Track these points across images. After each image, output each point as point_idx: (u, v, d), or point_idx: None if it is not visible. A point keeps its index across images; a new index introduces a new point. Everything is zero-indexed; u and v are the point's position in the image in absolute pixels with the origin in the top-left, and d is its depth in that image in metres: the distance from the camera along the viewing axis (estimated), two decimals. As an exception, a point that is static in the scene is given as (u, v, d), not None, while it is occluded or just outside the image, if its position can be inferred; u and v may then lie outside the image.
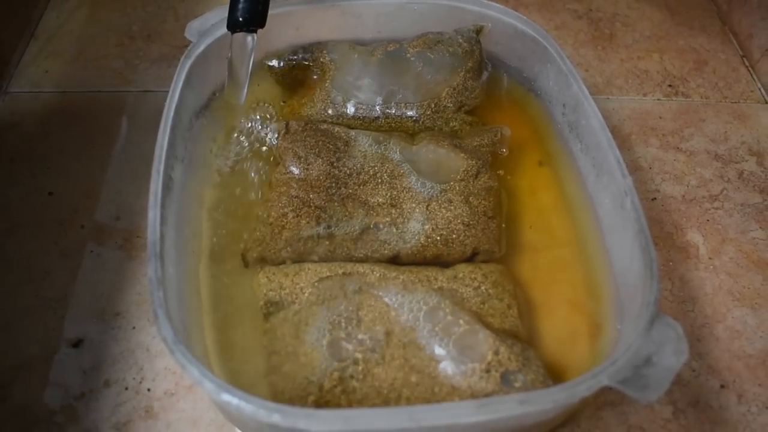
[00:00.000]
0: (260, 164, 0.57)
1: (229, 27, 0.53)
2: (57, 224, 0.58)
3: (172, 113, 0.52)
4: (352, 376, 0.43)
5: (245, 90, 0.56)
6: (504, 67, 0.63)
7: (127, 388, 0.49)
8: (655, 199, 0.61)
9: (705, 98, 0.70)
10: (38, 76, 0.70)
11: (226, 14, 0.58)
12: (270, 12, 0.59)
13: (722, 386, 0.50)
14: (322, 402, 0.42)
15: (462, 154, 0.54)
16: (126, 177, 0.61)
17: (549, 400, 0.37)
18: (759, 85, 0.72)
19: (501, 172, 0.57)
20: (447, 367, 0.42)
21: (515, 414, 0.37)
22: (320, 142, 0.55)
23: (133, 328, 0.52)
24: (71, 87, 0.69)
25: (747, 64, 0.74)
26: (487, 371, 0.42)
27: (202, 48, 0.57)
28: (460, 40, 0.61)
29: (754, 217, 0.60)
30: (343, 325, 0.45)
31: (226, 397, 0.37)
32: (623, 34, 0.77)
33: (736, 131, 0.67)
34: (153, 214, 0.45)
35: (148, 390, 0.49)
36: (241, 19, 0.52)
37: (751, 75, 0.73)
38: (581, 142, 0.55)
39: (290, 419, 0.36)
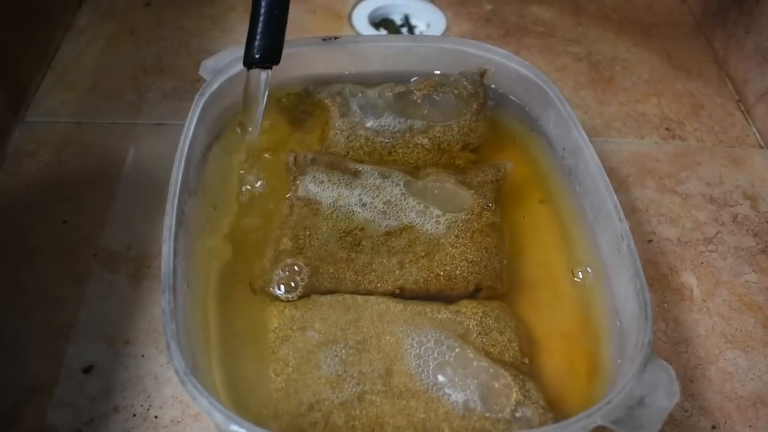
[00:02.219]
0: (269, 194, 0.59)
1: (245, 63, 0.56)
2: (70, 251, 0.60)
3: (186, 149, 0.54)
4: (356, 407, 0.44)
5: (259, 123, 0.58)
6: (507, 107, 0.65)
7: (135, 415, 0.50)
8: (651, 240, 0.63)
9: (701, 142, 0.72)
10: (54, 107, 0.72)
11: (239, 53, 0.61)
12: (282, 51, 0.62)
13: (713, 427, 0.52)
14: (327, 430, 0.43)
15: (467, 190, 0.56)
16: (138, 207, 0.63)
17: (544, 438, 0.39)
18: (754, 130, 0.74)
19: (503, 208, 0.59)
20: (450, 397, 0.44)
21: (512, 450, 0.39)
22: (327, 174, 0.57)
23: (142, 355, 0.53)
24: (86, 117, 0.71)
25: (742, 108, 0.76)
26: (490, 401, 0.44)
27: (215, 86, 0.59)
28: (465, 83, 0.63)
29: (748, 261, 0.62)
30: (350, 356, 0.46)
31: (235, 428, 0.39)
32: (622, 77, 0.79)
33: (731, 175, 0.69)
34: (166, 248, 0.47)
35: (156, 417, 0.50)
36: (257, 56, 0.55)
37: (747, 119, 0.75)
38: (580, 185, 0.56)
39: (296, 450, 0.38)
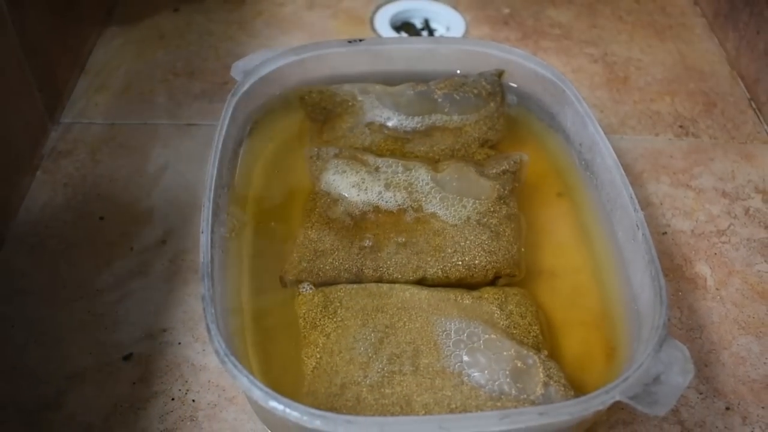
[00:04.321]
0: (295, 188, 0.62)
1: None
2: (107, 246, 0.63)
3: (220, 146, 0.56)
4: (384, 386, 0.47)
5: None
6: (525, 104, 0.67)
7: (173, 399, 0.53)
8: (665, 233, 0.65)
9: (714, 138, 0.74)
10: (89, 109, 0.75)
11: (268, 55, 0.64)
12: (307, 54, 0.65)
13: (727, 408, 0.53)
14: (358, 409, 0.46)
15: (486, 181, 0.58)
16: (170, 203, 0.66)
17: (566, 413, 0.41)
18: (765, 127, 0.76)
19: (522, 200, 0.61)
20: (476, 377, 0.46)
21: (535, 425, 0.41)
22: (350, 168, 0.59)
23: (179, 343, 0.56)
24: (119, 119, 0.74)
25: (754, 106, 0.78)
26: (515, 380, 0.46)
27: (246, 87, 0.62)
28: (484, 83, 0.65)
29: (759, 252, 0.64)
30: (378, 339, 0.49)
31: (273, 404, 0.41)
32: (636, 77, 0.81)
33: (743, 170, 0.71)
34: (204, 239, 0.50)
35: (193, 401, 0.53)
36: None
37: (758, 117, 0.77)
38: (597, 179, 0.59)
39: (331, 424, 0.40)
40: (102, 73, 0.80)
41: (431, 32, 0.88)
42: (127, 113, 0.75)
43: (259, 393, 0.42)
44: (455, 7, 0.89)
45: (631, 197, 0.53)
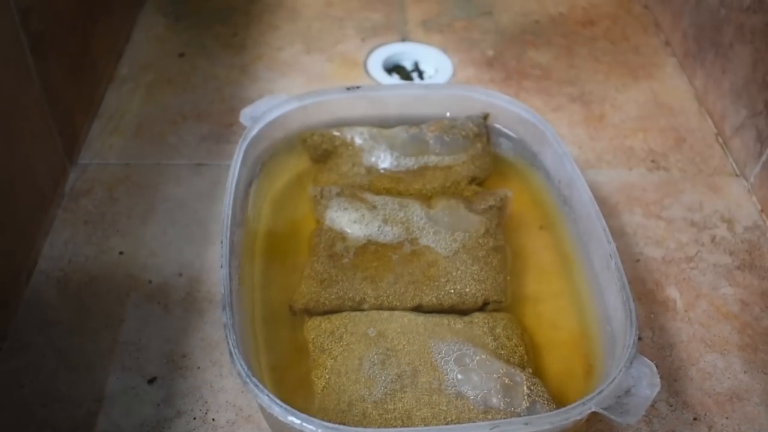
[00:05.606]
0: (300, 225, 0.68)
1: None
2: (128, 279, 0.68)
3: (233, 188, 0.62)
4: (387, 402, 0.52)
5: None
6: (509, 145, 0.74)
7: (195, 418, 0.58)
8: (638, 260, 0.71)
9: (683, 171, 0.81)
10: (104, 150, 0.81)
11: (273, 102, 0.70)
12: (309, 101, 0.71)
13: (695, 419, 0.59)
14: (365, 423, 0.51)
15: (475, 216, 0.64)
16: (185, 239, 0.71)
17: (548, 422, 0.47)
18: (731, 160, 0.82)
19: (507, 233, 0.67)
20: (469, 393, 0.52)
21: (521, 434, 0.47)
22: (351, 205, 0.65)
23: (198, 367, 0.61)
24: (133, 159, 0.80)
25: (720, 141, 0.85)
26: (503, 395, 0.52)
27: (255, 131, 0.68)
28: (471, 125, 0.72)
29: (725, 276, 0.70)
30: (381, 361, 0.54)
31: (292, 419, 0.47)
32: (612, 114, 0.88)
33: (710, 201, 0.77)
34: (224, 272, 0.55)
35: (213, 420, 0.58)
36: None
37: (724, 151, 0.84)
38: (574, 213, 0.65)
39: (344, 436, 0.46)
40: (115, 117, 0.85)
41: (421, 74, 0.95)
42: (140, 154, 0.81)
43: (279, 409, 0.47)
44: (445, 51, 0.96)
45: (605, 230, 0.59)
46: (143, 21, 1.00)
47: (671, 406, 0.60)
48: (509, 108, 0.71)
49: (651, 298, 0.68)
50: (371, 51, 0.96)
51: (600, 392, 0.48)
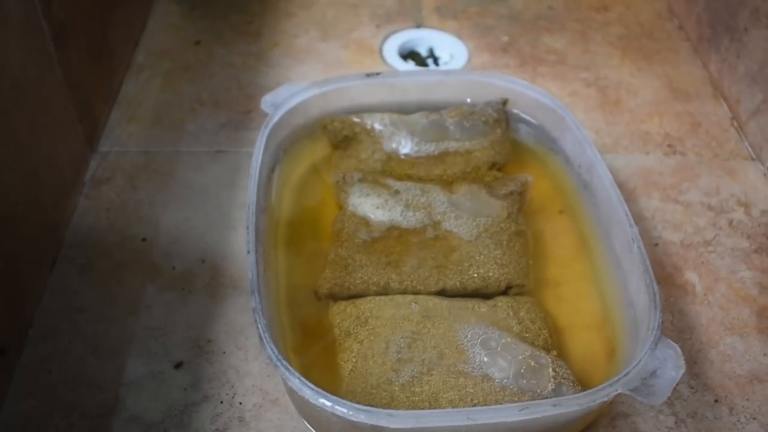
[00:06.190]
0: (322, 211, 0.68)
1: None
2: (152, 266, 0.69)
3: (257, 174, 0.63)
4: (414, 385, 0.53)
5: None
6: (528, 130, 0.74)
7: (222, 402, 0.59)
8: (657, 244, 0.71)
9: (699, 156, 0.81)
10: (124, 138, 0.81)
11: (293, 90, 0.70)
12: (329, 87, 0.71)
13: (716, 400, 0.60)
14: (392, 406, 0.52)
15: (497, 201, 0.65)
16: (207, 225, 0.72)
17: (576, 404, 0.48)
18: (746, 144, 0.83)
19: (527, 217, 0.67)
20: (495, 375, 0.53)
21: (549, 415, 0.48)
22: (373, 191, 0.66)
23: (224, 352, 0.62)
24: (153, 147, 0.80)
25: (736, 125, 0.85)
26: (529, 378, 0.53)
27: (276, 119, 0.68)
28: (490, 111, 0.72)
29: (742, 260, 0.71)
30: (406, 345, 0.55)
31: (323, 401, 0.48)
32: (627, 99, 0.88)
33: (727, 185, 0.78)
34: (250, 258, 0.56)
35: (240, 403, 0.59)
36: None
37: (740, 135, 0.84)
38: (595, 197, 0.65)
39: (375, 418, 0.46)
40: (133, 104, 0.86)
41: (436, 60, 0.95)
42: (160, 141, 0.81)
43: (310, 392, 0.48)
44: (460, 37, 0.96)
45: (627, 214, 0.60)
46: (158, 9, 1.00)
47: (692, 388, 0.61)
48: (528, 93, 0.72)
49: (670, 281, 0.68)
50: (386, 37, 0.96)
51: (626, 374, 0.49)
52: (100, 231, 0.72)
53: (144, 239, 0.71)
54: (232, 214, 0.73)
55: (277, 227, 0.66)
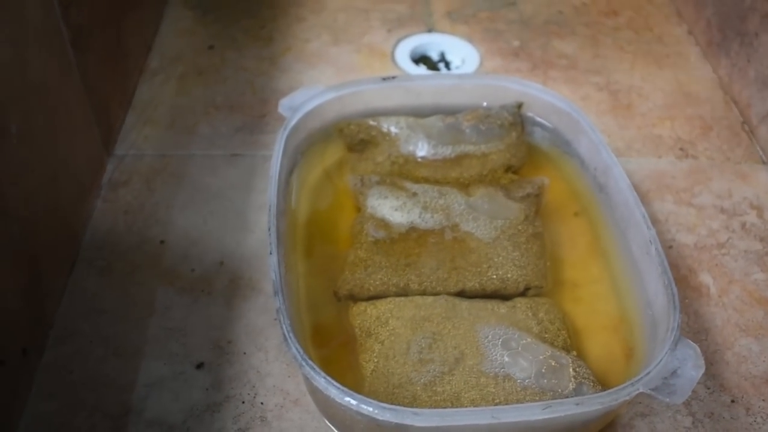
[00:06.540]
0: (340, 213, 0.69)
1: None
2: (170, 268, 0.69)
3: (277, 178, 0.63)
4: (436, 385, 0.53)
5: None
6: (543, 133, 0.75)
7: (243, 402, 0.60)
8: (671, 247, 0.72)
9: (711, 159, 0.82)
10: (139, 141, 0.82)
11: (311, 93, 0.71)
12: (345, 91, 0.72)
13: (732, 401, 0.61)
14: (415, 405, 0.53)
15: (514, 204, 0.66)
16: (224, 227, 0.73)
17: (598, 402, 0.48)
18: (758, 148, 0.83)
19: (543, 219, 0.68)
20: (516, 375, 0.53)
21: (571, 413, 0.48)
22: (391, 193, 0.66)
23: (244, 353, 0.63)
24: (168, 150, 0.81)
25: (747, 129, 0.86)
26: (550, 377, 0.53)
27: (294, 122, 0.69)
28: (506, 114, 0.73)
29: (756, 262, 0.71)
30: (427, 345, 0.56)
31: (348, 400, 0.48)
32: (639, 103, 0.89)
33: (739, 188, 0.79)
34: (273, 259, 0.57)
35: (261, 403, 0.59)
36: None
37: (751, 139, 0.85)
38: (610, 200, 0.66)
39: (400, 416, 0.47)
40: (148, 108, 0.86)
41: (447, 65, 0.96)
42: (175, 145, 0.82)
43: (336, 391, 0.48)
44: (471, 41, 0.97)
45: (644, 216, 0.60)
46: (170, 14, 1.01)
47: (709, 389, 0.61)
48: (542, 97, 0.73)
49: (685, 283, 0.69)
50: (398, 42, 0.97)
51: (647, 374, 0.49)
52: (118, 233, 0.72)
53: (162, 242, 0.72)
54: (249, 216, 0.74)
55: (296, 229, 0.67)
